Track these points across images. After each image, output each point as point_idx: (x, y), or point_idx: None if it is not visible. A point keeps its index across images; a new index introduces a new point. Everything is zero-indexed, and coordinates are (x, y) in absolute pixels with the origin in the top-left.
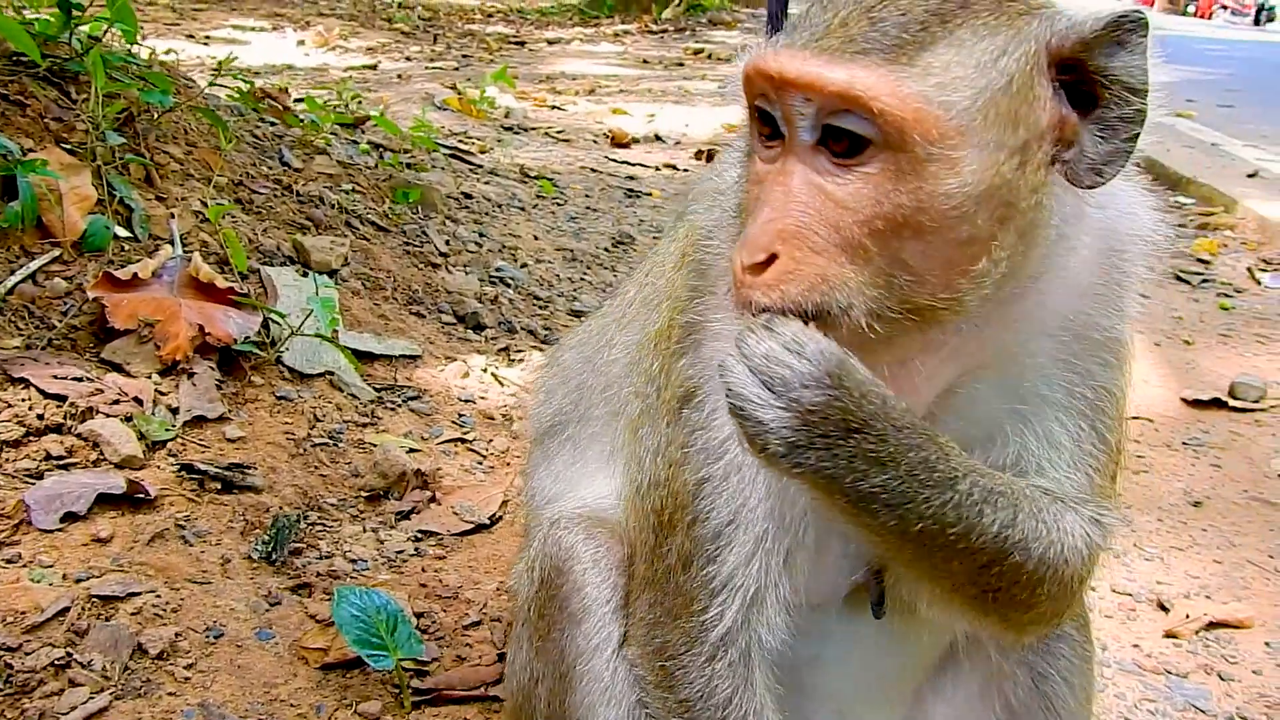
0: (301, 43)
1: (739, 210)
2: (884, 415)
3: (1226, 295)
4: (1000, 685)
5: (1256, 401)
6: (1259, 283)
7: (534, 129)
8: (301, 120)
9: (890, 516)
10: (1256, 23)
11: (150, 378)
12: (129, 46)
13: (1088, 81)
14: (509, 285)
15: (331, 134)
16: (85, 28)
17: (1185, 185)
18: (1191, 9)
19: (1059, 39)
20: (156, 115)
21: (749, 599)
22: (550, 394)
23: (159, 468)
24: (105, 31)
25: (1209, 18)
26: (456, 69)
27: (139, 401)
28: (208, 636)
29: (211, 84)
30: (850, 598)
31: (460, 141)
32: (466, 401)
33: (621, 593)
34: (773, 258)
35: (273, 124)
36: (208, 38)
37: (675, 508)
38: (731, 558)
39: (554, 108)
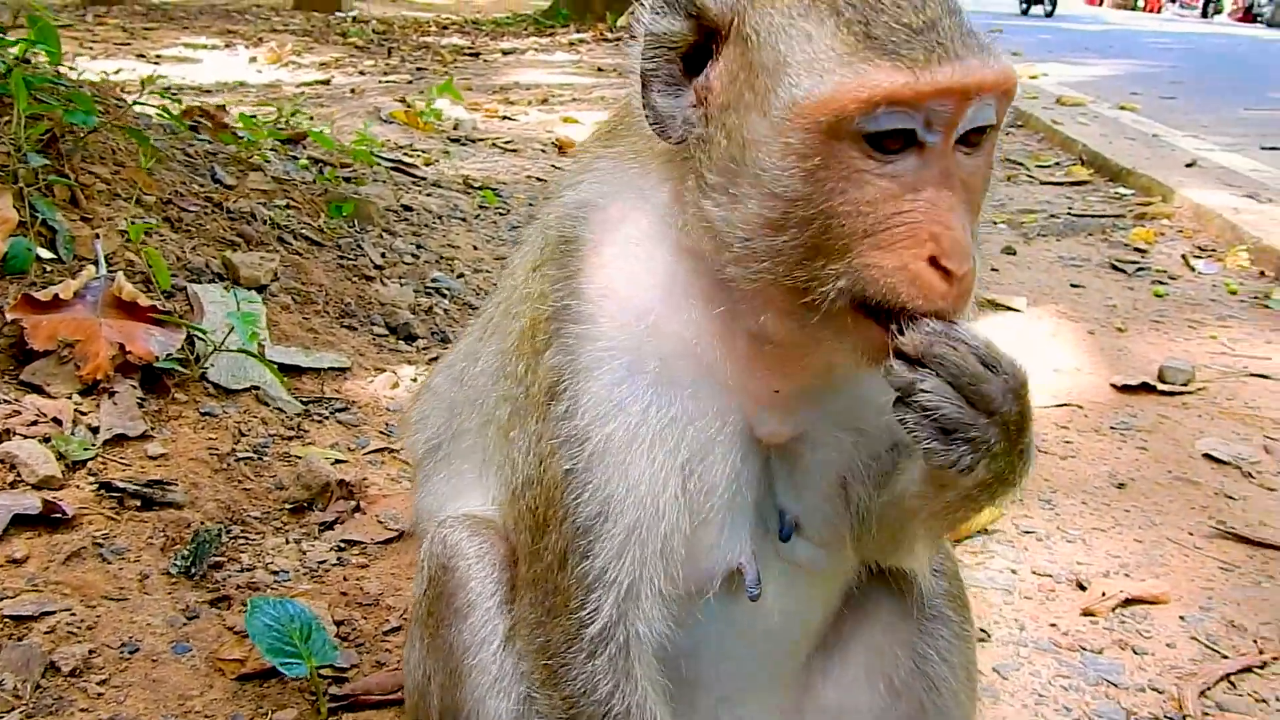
0: (254, 59)
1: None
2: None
3: (1161, 282)
4: (883, 667)
5: (1184, 385)
6: (1193, 269)
7: (482, 140)
8: (238, 137)
9: (998, 488)
10: (1204, 15)
11: (70, 398)
12: (55, 68)
13: None
14: (445, 295)
15: (270, 150)
16: (14, 50)
17: (1126, 176)
18: (1141, 4)
19: None
20: (82, 135)
21: (624, 593)
22: (424, 419)
23: (78, 487)
24: (26, 53)
25: (1158, 11)
26: (410, 82)
27: (58, 422)
28: (122, 652)
29: (136, 103)
30: (725, 583)
31: (405, 154)
32: (395, 411)
33: (506, 587)
34: None
35: (207, 142)
36: (159, 57)
37: (548, 504)
38: (603, 551)
39: (505, 118)
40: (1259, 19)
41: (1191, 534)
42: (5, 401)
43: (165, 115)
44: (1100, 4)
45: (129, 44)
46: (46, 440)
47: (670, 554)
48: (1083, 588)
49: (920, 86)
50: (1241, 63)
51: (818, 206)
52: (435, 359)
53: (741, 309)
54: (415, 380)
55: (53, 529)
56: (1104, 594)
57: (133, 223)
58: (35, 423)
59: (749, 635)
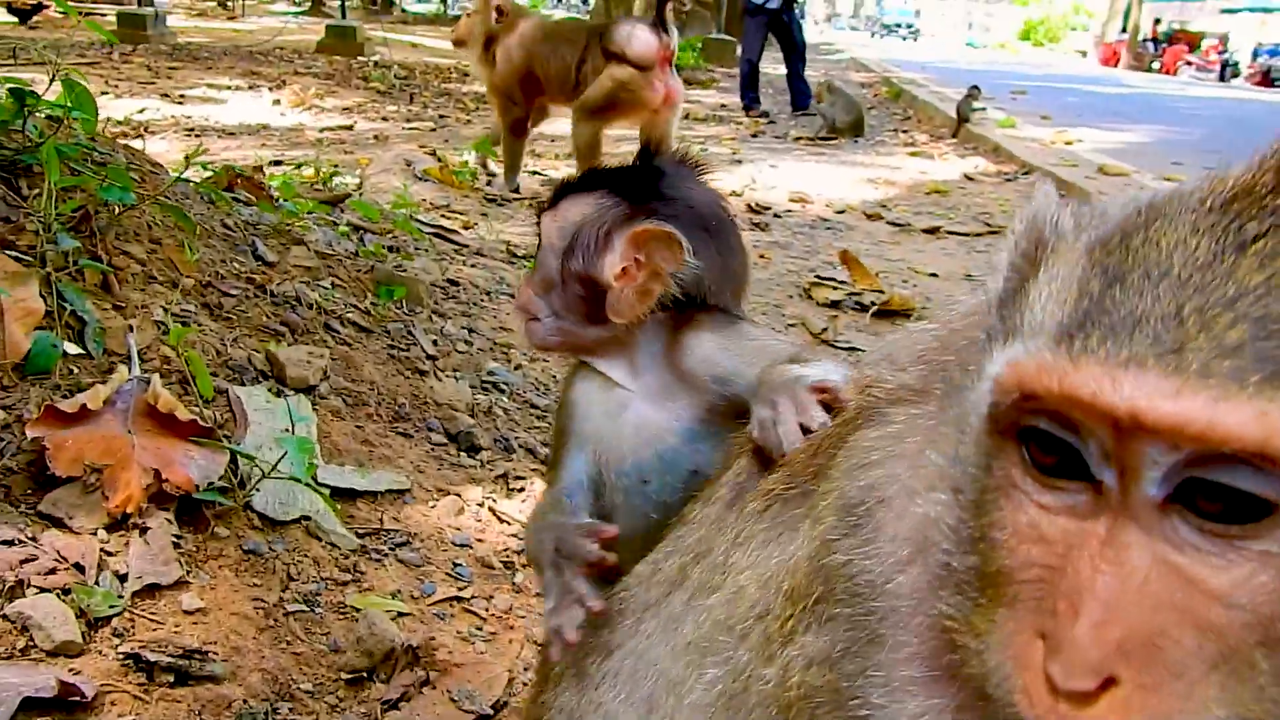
0: (277, 102)
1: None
2: None
3: None
4: None
5: None
6: None
7: (518, 200)
8: (276, 206)
9: None
10: (1222, 79)
11: (96, 534)
12: (89, 135)
13: None
14: (503, 392)
15: (308, 214)
16: (43, 113)
17: None
18: (1157, 65)
19: None
20: (117, 212)
21: None
22: None
23: (101, 654)
24: (62, 122)
25: (1174, 74)
26: (434, 129)
27: (80, 568)
28: None
29: (179, 179)
30: None
31: (443, 216)
32: (462, 546)
33: None
34: (1108, 681)
35: (246, 205)
36: (182, 96)
37: None
38: None
39: (534, 173)
40: (1276, 83)
41: None
42: (21, 542)
43: (205, 189)
44: (1116, 64)
45: (153, 82)
46: (66, 592)
47: None
48: None
49: (1045, 380)
50: (1275, 129)
51: (980, 517)
52: (502, 475)
53: None
54: (482, 505)
55: (69, 713)
56: None
57: (165, 309)
58: (54, 570)
59: None
